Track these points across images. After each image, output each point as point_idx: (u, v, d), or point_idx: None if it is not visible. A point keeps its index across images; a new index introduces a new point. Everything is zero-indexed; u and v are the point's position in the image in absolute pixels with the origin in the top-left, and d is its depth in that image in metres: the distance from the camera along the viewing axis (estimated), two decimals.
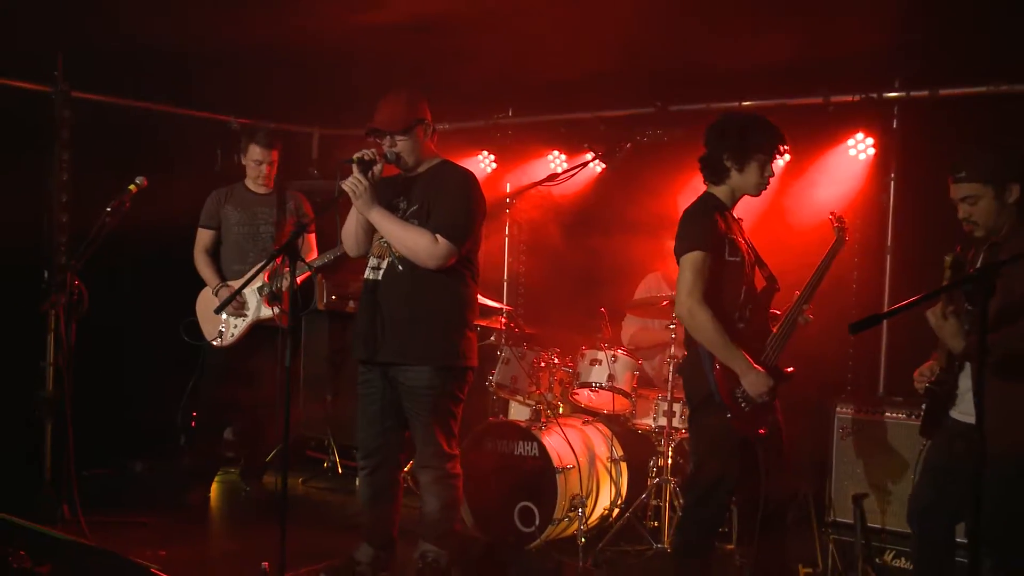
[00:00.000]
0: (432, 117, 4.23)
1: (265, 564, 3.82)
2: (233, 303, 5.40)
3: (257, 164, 5.59)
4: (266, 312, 5.44)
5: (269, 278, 5.41)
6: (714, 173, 3.88)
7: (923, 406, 3.71)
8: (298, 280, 5.26)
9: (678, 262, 3.79)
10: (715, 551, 4.09)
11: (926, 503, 3.70)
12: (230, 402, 5.61)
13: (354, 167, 4.11)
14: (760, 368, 3.73)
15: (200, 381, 5.69)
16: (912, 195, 5.48)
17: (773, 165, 3.87)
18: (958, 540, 3.68)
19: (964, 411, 3.56)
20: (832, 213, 4.17)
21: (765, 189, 3.91)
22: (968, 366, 3.52)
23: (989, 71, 5.15)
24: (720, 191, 3.90)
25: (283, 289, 5.37)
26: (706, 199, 3.91)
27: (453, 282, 4.17)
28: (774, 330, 3.91)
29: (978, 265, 3.54)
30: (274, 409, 5.69)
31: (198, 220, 5.71)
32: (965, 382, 3.55)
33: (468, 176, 4.24)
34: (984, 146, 3.61)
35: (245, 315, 5.46)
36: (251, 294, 5.48)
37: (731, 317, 3.78)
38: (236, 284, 5.41)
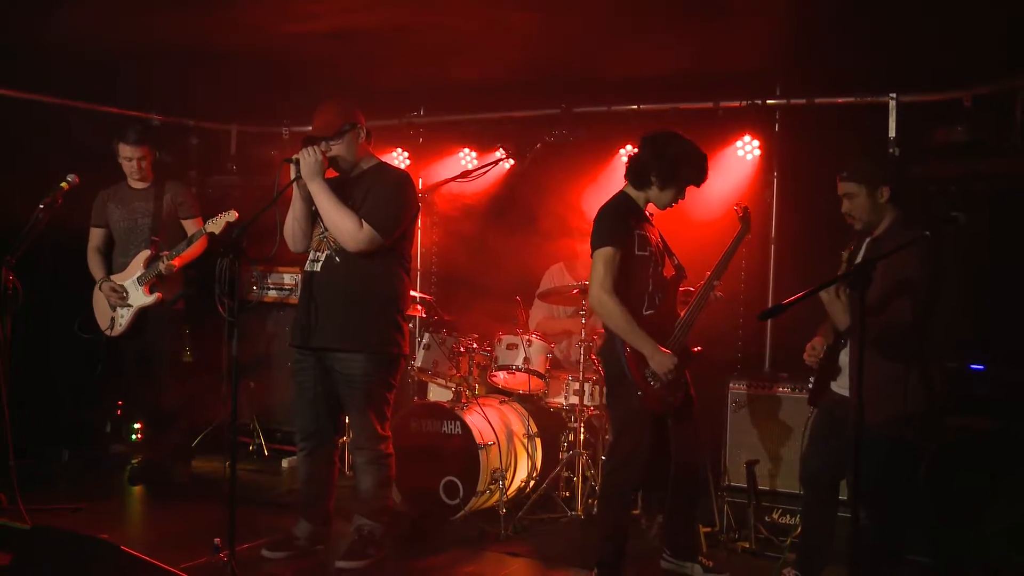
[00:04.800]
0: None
1: (218, 540, 4.02)
2: (115, 295, 5.66)
3: (128, 161, 5.74)
4: (146, 299, 5.64)
5: (146, 266, 5.63)
6: (637, 180, 4.29)
7: (811, 379, 4.15)
8: (178, 262, 5.59)
9: (591, 256, 4.19)
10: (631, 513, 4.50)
11: (814, 467, 4.18)
12: (140, 388, 5.89)
13: (292, 167, 4.37)
14: (665, 350, 4.17)
15: (106, 372, 5.82)
16: (792, 192, 6.00)
17: (687, 191, 4.32)
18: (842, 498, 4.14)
19: (842, 385, 4.00)
20: (736, 205, 4.57)
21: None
22: (847, 345, 4.02)
23: (857, 83, 5.72)
24: (635, 194, 4.31)
25: (157, 276, 5.61)
26: (620, 199, 4.31)
27: (387, 275, 4.47)
28: (682, 314, 4.34)
29: (860, 258, 4.05)
30: (183, 395, 5.95)
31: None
32: (844, 358, 4.00)
33: (403, 175, 4.55)
34: (866, 152, 4.15)
35: (129, 305, 5.67)
36: (131, 284, 5.67)
37: (639, 305, 4.21)
38: (116, 277, 5.71)
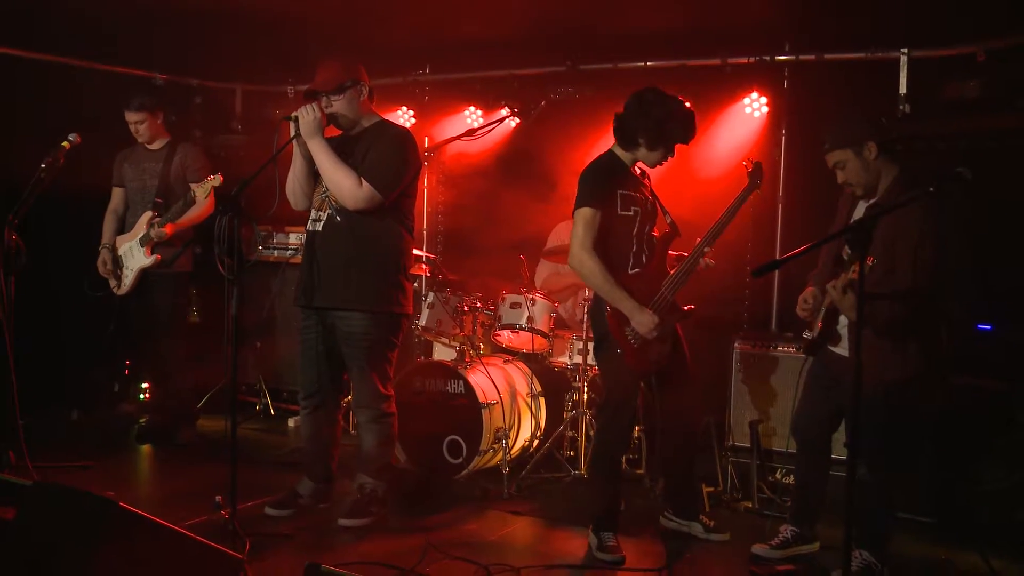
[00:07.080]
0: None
1: (219, 497, 4.04)
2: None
3: (133, 126, 5.78)
4: (146, 260, 5.67)
5: (148, 227, 5.65)
6: (625, 140, 4.25)
7: (813, 332, 4.02)
8: (170, 229, 5.62)
9: (572, 216, 4.17)
10: (624, 471, 4.48)
11: (807, 419, 4.18)
12: (146, 347, 5.93)
13: (291, 125, 4.33)
14: (647, 309, 4.14)
15: (118, 331, 5.86)
16: (800, 150, 5.90)
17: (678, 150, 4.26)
18: (836, 457, 4.16)
19: (842, 347, 3.96)
20: (745, 159, 4.49)
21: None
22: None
23: (867, 39, 5.60)
24: (623, 154, 4.28)
25: (156, 237, 5.62)
26: (607, 159, 4.29)
27: (389, 233, 4.44)
28: (671, 272, 4.30)
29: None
30: (189, 355, 5.97)
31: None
32: (843, 320, 3.94)
33: (404, 133, 4.50)
34: (839, 115, 3.99)
35: (132, 264, 5.72)
36: (135, 244, 5.70)
37: (624, 264, 4.20)
38: (124, 237, 5.79)
